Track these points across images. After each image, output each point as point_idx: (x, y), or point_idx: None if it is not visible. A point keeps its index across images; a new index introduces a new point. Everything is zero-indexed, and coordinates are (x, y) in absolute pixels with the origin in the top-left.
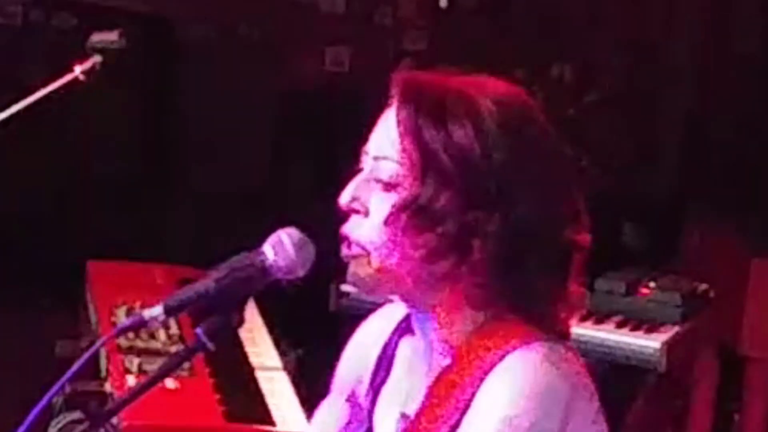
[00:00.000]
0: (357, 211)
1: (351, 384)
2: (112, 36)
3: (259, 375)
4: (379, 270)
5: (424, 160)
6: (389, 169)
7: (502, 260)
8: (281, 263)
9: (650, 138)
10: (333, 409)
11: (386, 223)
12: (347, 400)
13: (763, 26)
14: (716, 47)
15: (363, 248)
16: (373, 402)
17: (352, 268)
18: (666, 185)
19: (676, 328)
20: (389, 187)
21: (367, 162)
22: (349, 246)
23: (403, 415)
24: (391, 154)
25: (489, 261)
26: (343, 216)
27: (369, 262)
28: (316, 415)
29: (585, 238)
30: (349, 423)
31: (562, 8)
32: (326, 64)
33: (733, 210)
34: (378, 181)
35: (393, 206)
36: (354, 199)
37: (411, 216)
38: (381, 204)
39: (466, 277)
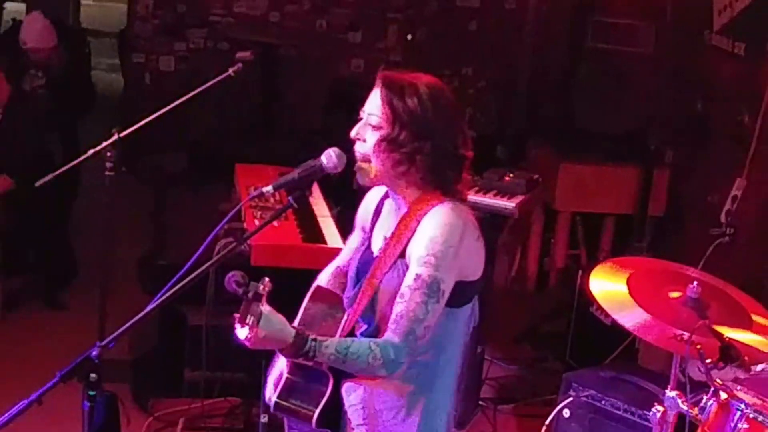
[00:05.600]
0: (359, 140)
1: (362, 222)
2: (246, 53)
3: (319, 219)
4: (374, 176)
5: (393, 116)
6: (376, 120)
7: (433, 165)
8: (330, 165)
9: (507, 99)
10: (355, 236)
11: (374, 148)
12: (361, 230)
13: (569, 26)
14: (545, 49)
15: (366, 157)
16: (371, 231)
17: (359, 176)
18: (518, 125)
19: (523, 197)
20: (376, 129)
21: (364, 115)
22: (359, 159)
23: (384, 237)
24: (377, 113)
25: (426, 165)
26: (353, 142)
27: (369, 172)
28: (348, 241)
29: (470, 153)
30: (361, 244)
31: (468, 39)
32: (351, 68)
33: (552, 137)
34: (370, 125)
35: (378, 139)
36: (358, 133)
37: (387, 144)
38: (372, 137)
39: (414, 174)
